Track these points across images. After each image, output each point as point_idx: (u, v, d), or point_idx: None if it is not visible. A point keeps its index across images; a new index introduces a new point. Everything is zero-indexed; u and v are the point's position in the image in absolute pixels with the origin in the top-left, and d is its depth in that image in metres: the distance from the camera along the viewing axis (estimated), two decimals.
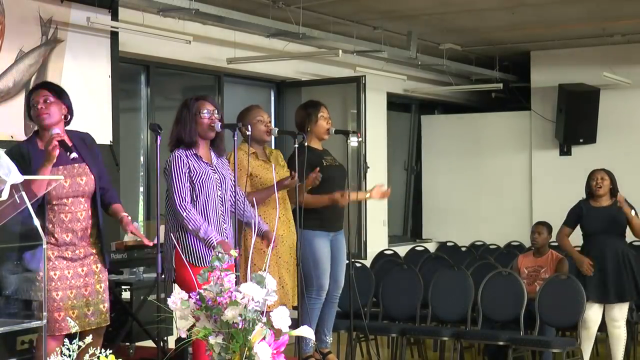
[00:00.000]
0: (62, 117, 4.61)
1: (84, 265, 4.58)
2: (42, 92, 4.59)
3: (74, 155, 4.46)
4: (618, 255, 6.93)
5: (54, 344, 4.33)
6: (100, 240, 4.68)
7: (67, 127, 4.68)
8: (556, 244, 8.45)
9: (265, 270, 3.05)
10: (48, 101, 4.55)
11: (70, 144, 4.52)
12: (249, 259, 3.18)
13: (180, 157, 4.94)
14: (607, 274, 6.87)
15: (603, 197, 6.99)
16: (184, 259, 4.82)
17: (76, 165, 4.57)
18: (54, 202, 4.49)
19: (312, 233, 5.96)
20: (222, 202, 5.02)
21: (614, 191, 7.01)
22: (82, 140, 4.69)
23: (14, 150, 4.54)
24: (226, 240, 4.92)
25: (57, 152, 4.36)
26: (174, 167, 4.93)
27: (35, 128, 4.68)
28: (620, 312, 6.96)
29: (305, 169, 5.74)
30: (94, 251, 4.64)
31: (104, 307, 4.63)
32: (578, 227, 7.15)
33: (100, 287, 4.64)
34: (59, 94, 4.64)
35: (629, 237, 7.23)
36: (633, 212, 6.90)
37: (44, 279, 3.63)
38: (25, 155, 4.47)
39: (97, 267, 4.64)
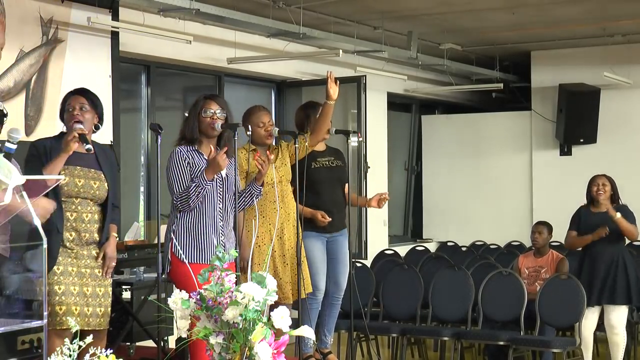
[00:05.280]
0: (93, 126, 4.75)
1: (88, 267, 4.63)
2: (80, 99, 4.71)
3: (88, 146, 4.54)
4: (613, 259, 6.93)
5: (58, 342, 4.33)
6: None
7: None
8: (557, 243, 8.47)
9: (265, 270, 3.05)
10: (84, 109, 4.68)
11: (89, 141, 4.61)
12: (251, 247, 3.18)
13: (181, 151, 5.01)
14: (601, 278, 6.87)
15: (603, 203, 6.99)
16: (181, 256, 4.86)
17: (92, 170, 4.66)
18: (63, 199, 4.54)
19: (305, 234, 5.96)
20: (221, 199, 5.04)
21: (614, 197, 7.01)
22: (104, 152, 4.77)
23: (38, 143, 4.69)
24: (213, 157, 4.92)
25: (75, 144, 4.47)
26: (173, 162, 5.00)
27: (64, 129, 4.75)
28: (617, 318, 6.94)
29: (298, 171, 5.76)
30: (97, 256, 4.68)
31: (100, 310, 4.65)
32: None
33: (100, 291, 4.67)
34: (95, 103, 4.76)
35: None
36: (618, 215, 6.87)
37: (44, 278, 3.64)
38: (42, 150, 4.57)
39: (99, 272, 4.67)
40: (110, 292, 4.78)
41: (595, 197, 6.99)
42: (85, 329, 4.51)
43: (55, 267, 4.51)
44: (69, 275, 4.54)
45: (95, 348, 2.75)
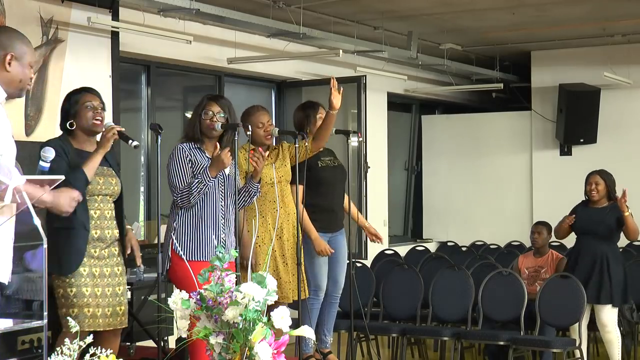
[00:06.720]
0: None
1: (108, 266, 4.69)
2: (97, 99, 4.74)
3: (135, 143, 4.65)
4: (597, 257, 6.93)
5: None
6: (122, 243, 4.81)
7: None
8: (557, 243, 8.47)
9: (266, 270, 3.05)
10: (100, 109, 4.72)
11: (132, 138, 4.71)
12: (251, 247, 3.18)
13: (183, 149, 5.06)
14: (584, 276, 6.87)
15: (599, 201, 7.01)
16: (181, 254, 4.88)
17: (105, 167, 4.71)
18: (87, 198, 4.58)
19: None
20: (223, 197, 5.05)
21: (611, 194, 7.01)
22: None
23: (56, 143, 4.59)
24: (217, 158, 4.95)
25: (112, 141, 4.58)
26: (175, 158, 5.04)
27: (72, 127, 4.70)
28: (607, 317, 6.93)
29: (300, 170, 5.76)
30: (117, 253, 4.74)
31: (120, 309, 4.72)
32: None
33: (119, 290, 4.74)
34: (104, 106, 4.79)
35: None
36: (629, 212, 6.87)
37: (43, 279, 3.65)
38: (61, 150, 4.57)
39: (118, 270, 4.75)
40: (125, 289, 4.85)
41: (589, 197, 7.02)
42: (108, 329, 4.58)
43: (81, 269, 4.56)
44: (94, 277, 4.61)
45: (96, 347, 2.75)
